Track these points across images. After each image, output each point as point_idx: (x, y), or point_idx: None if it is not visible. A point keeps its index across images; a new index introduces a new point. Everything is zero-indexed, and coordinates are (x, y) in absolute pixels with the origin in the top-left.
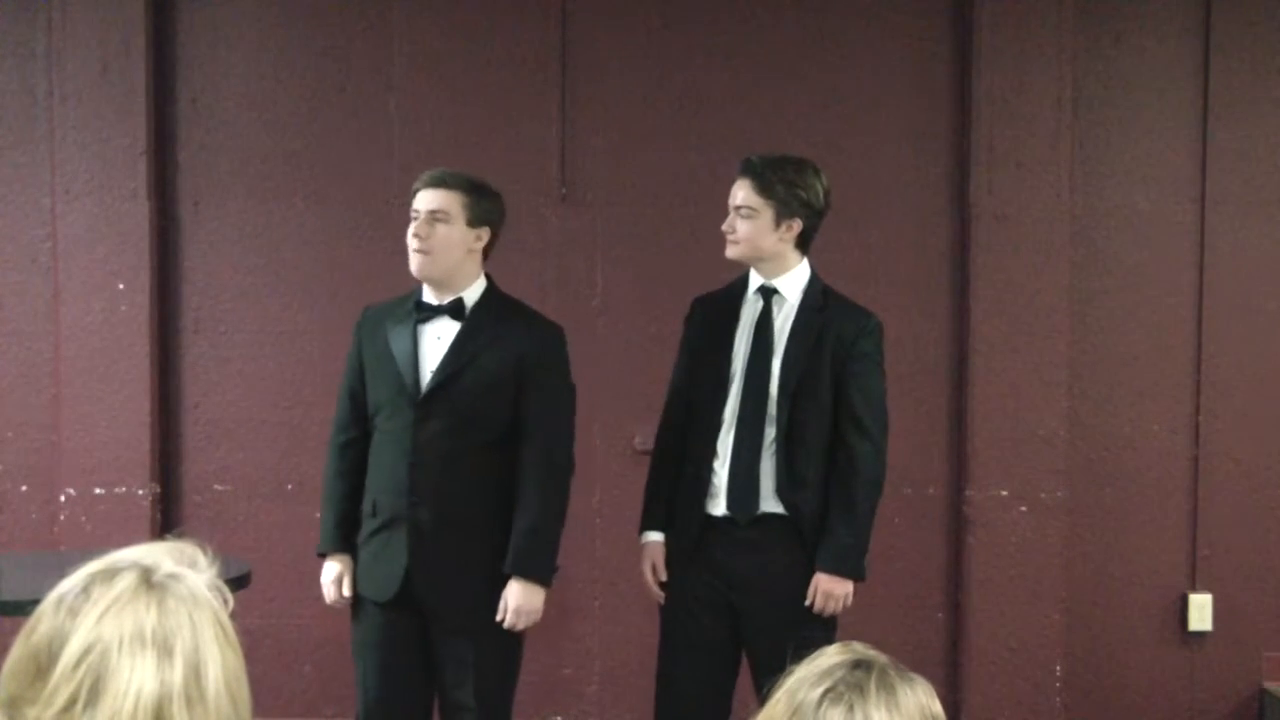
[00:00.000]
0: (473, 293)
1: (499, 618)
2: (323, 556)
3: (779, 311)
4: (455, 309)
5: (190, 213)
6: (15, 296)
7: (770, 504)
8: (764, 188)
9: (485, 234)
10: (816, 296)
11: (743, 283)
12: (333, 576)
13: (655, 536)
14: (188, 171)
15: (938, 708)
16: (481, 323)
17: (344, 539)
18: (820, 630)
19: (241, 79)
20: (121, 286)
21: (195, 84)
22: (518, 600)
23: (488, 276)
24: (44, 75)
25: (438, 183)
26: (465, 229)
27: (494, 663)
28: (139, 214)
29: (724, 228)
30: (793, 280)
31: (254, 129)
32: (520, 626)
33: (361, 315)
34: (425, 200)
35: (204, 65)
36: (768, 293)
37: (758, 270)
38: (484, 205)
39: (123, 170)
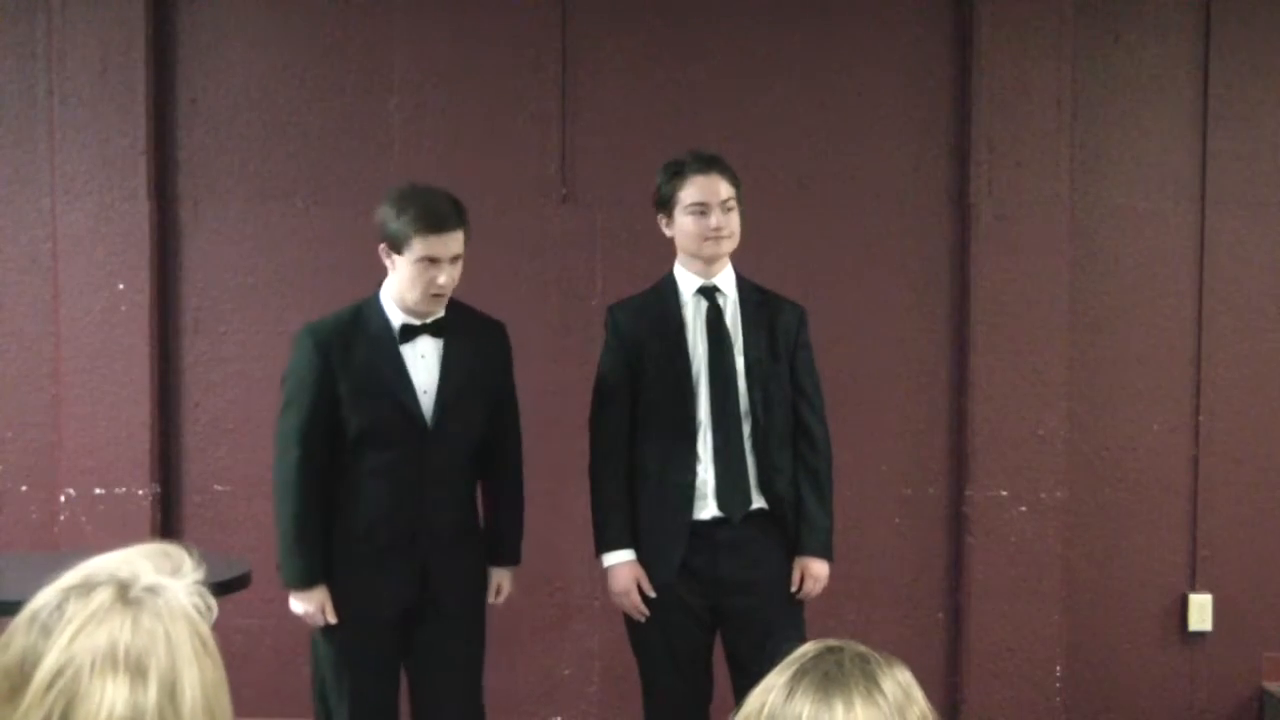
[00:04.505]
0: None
1: (491, 600)
2: (295, 588)
3: (725, 309)
4: (435, 327)
5: (190, 213)
6: (15, 296)
7: (755, 500)
8: (735, 179)
9: None
10: (750, 290)
11: (669, 287)
12: (317, 605)
13: (630, 555)
14: (188, 171)
15: (919, 693)
16: (457, 335)
17: (325, 570)
18: (795, 627)
19: (241, 79)
20: (121, 286)
21: (195, 84)
22: (510, 585)
23: None
24: (44, 75)
25: (457, 224)
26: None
27: (481, 655)
28: (139, 214)
29: (716, 225)
30: (728, 276)
31: (254, 129)
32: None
33: (312, 337)
34: (453, 246)
35: (204, 65)
36: (709, 291)
37: (701, 271)
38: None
39: (123, 170)
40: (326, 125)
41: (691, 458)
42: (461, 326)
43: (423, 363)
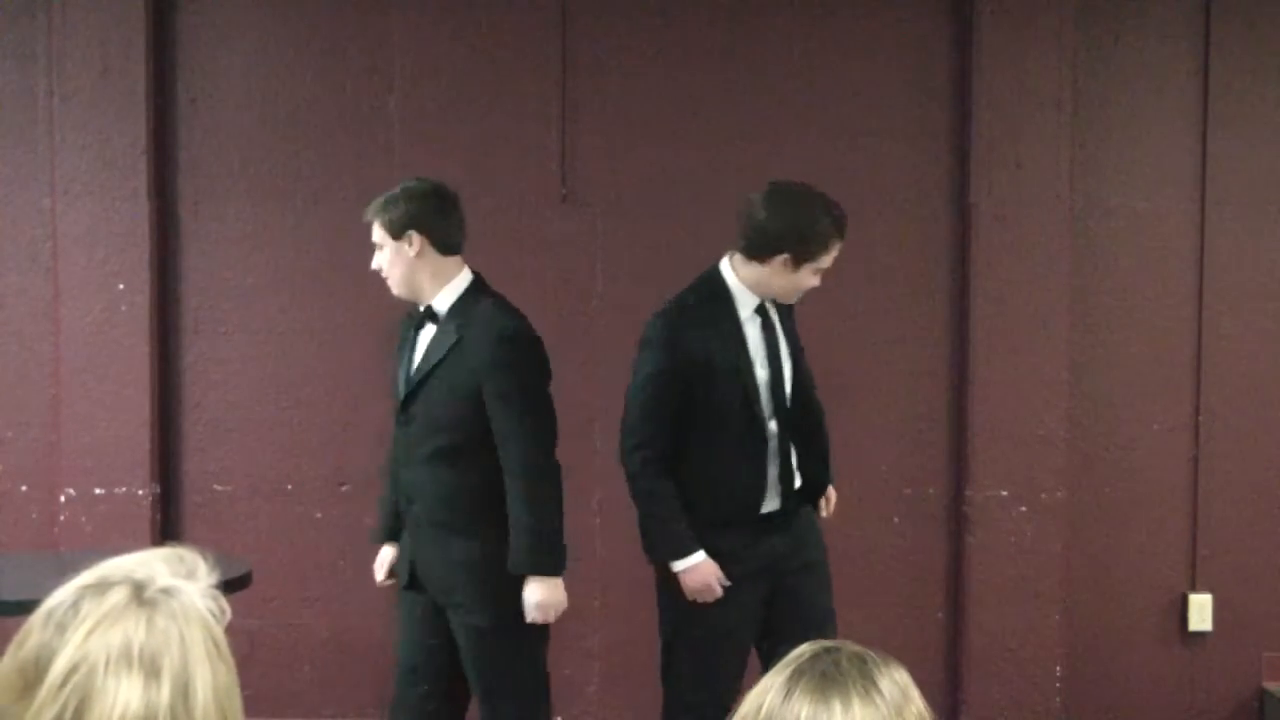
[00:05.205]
0: (444, 298)
1: (530, 618)
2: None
3: (775, 321)
4: (432, 315)
5: (190, 213)
6: (15, 296)
7: (797, 481)
8: None
9: (414, 238)
10: None
11: (723, 296)
12: (376, 563)
13: (703, 554)
14: (188, 171)
15: (916, 693)
16: (448, 327)
17: (391, 531)
18: (831, 612)
19: (241, 79)
20: (121, 286)
21: (195, 84)
22: (532, 596)
23: (478, 276)
24: (44, 75)
25: (368, 217)
26: (394, 244)
27: (499, 658)
28: (139, 214)
29: (815, 286)
30: None
31: (254, 129)
32: (545, 619)
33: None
34: (371, 235)
35: (204, 65)
36: (762, 307)
37: (763, 293)
38: (396, 214)
39: (123, 170)
40: (326, 125)
41: (760, 459)
42: (457, 316)
43: (420, 348)
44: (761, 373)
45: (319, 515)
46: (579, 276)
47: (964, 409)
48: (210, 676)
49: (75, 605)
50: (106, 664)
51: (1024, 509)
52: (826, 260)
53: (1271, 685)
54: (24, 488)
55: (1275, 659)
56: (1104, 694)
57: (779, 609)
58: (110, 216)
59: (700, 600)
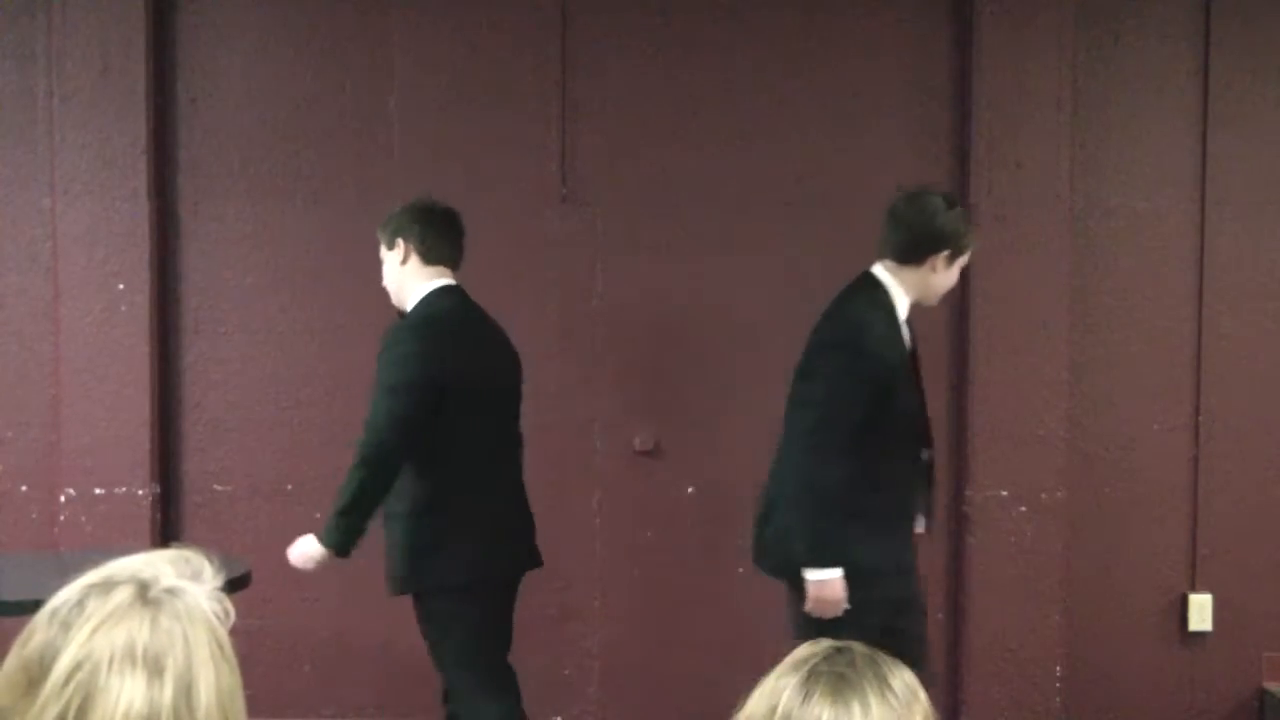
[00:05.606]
0: (409, 303)
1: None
2: None
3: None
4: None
5: (190, 213)
6: (15, 296)
7: None
8: None
9: (399, 245)
10: None
11: (891, 310)
12: None
13: (841, 570)
14: (188, 171)
15: (922, 692)
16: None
17: None
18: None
19: (241, 79)
20: (121, 286)
21: (195, 84)
22: (304, 545)
23: (452, 285)
24: (44, 75)
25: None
26: (387, 254)
27: (426, 630)
28: (139, 214)
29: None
30: None
31: (254, 129)
32: (297, 565)
33: None
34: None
35: (204, 65)
36: (909, 321)
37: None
38: (388, 228)
39: (123, 170)
40: (326, 125)
41: (913, 472)
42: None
43: None
44: (913, 381)
45: (319, 515)
46: (579, 276)
47: (964, 409)
48: (214, 678)
49: (80, 604)
50: (110, 662)
51: (1024, 509)
52: (969, 253)
53: (1271, 685)
54: (24, 488)
55: (1275, 659)
56: (1104, 694)
57: (902, 620)
58: (110, 216)
59: (818, 614)
